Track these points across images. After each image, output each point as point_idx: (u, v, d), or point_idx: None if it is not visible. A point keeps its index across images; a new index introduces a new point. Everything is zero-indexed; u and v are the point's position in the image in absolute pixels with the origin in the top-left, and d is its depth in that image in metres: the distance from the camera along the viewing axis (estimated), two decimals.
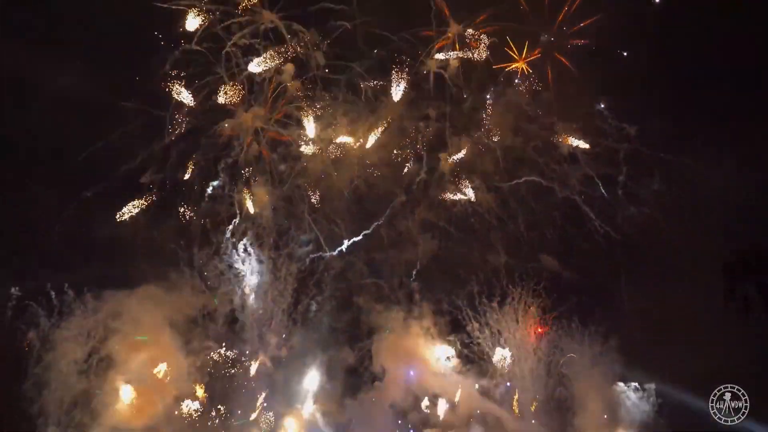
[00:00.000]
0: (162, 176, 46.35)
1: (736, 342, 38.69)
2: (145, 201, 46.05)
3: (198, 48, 45.32)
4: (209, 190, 47.45)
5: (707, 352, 40.55)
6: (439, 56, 46.48)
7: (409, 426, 46.99)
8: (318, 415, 46.68)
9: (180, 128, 46.30)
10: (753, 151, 41.84)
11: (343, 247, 47.94)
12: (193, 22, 44.63)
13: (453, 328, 48.80)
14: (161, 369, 42.86)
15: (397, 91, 46.68)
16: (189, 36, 44.84)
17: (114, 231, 45.19)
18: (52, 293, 42.55)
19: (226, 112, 46.58)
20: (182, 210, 46.90)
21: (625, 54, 44.91)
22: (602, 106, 46.24)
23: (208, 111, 46.33)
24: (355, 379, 47.76)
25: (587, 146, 46.41)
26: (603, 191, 46.59)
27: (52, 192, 44.48)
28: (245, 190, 47.32)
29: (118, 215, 45.58)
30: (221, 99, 46.19)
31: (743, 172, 42.09)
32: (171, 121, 46.14)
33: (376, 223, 47.88)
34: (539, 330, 47.84)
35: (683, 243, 43.13)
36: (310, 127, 47.18)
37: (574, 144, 46.53)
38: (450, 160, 47.74)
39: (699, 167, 43.43)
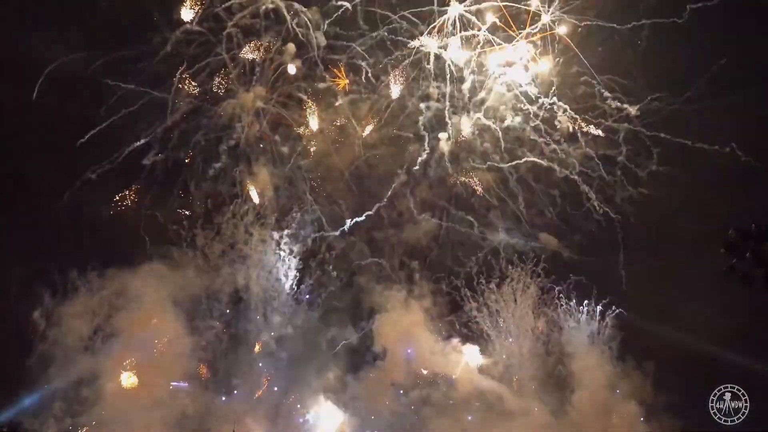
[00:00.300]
0: (164, 157, 45.95)
1: (735, 320, 38.56)
2: (148, 181, 45.71)
3: (199, 29, 44.70)
4: (211, 171, 46.98)
5: (706, 329, 40.55)
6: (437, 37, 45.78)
7: (411, 404, 46.81)
8: (321, 394, 46.55)
9: (182, 109, 45.83)
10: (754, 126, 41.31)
11: (346, 227, 47.54)
12: (188, 13, 44.03)
13: (452, 307, 48.59)
14: (165, 347, 42.60)
15: (397, 83, 46.22)
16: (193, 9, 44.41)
17: (117, 211, 45.12)
18: (56, 273, 42.28)
19: (227, 92, 46.03)
20: (181, 193, 46.60)
21: (639, 42, 43.83)
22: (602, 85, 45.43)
23: (210, 91, 45.79)
24: (357, 357, 47.61)
25: (599, 132, 45.68)
26: (602, 172, 46.07)
27: (54, 172, 44.18)
28: (247, 170, 46.92)
29: (118, 196, 45.23)
30: (222, 82, 45.84)
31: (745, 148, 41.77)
32: (173, 103, 45.68)
33: (378, 204, 47.42)
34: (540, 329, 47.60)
35: (682, 221, 42.94)
36: (313, 120, 46.79)
37: (582, 127, 45.93)
38: (450, 140, 47.11)
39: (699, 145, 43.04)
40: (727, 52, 42.74)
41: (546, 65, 45.49)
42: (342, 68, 46.44)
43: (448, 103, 46.77)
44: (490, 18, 44.75)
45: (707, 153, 43.19)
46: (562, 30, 44.49)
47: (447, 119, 47.29)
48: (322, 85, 47.04)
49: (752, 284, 30.94)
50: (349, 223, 47.49)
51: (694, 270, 41.17)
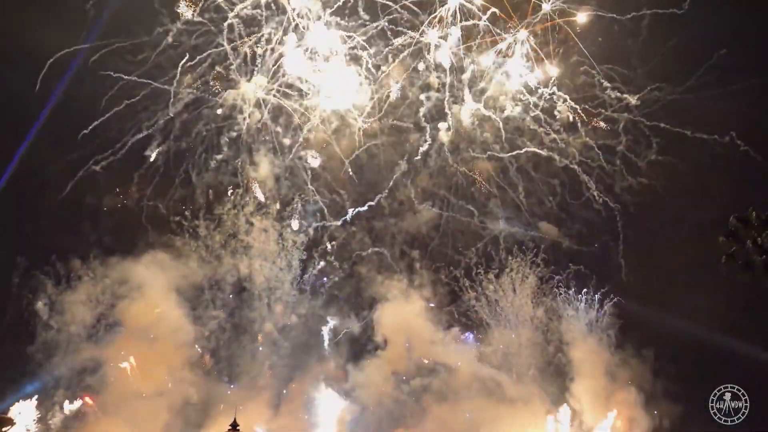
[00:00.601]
0: (166, 148, 45.54)
1: (735, 306, 38.30)
2: (150, 171, 45.37)
3: (200, 19, 44.19)
4: (212, 162, 46.57)
5: (704, 317, 40.30)
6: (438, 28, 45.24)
7: (411, 392, 46.52)
8: (322, 382, 46.29)
9: (183, 100, 45.36)
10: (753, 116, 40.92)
11: (348, 217, 47.13)
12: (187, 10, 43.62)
13: (452, 297, 48.23)
14: (169, 335, 42.20)
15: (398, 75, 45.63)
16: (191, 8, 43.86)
17: (119, 201, 44.81)
18: (58, 263, 41.97)
19: (228, 82, 45.58)
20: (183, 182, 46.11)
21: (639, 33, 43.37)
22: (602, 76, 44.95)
23: (211, 82, 45.28)
24: (358, 346, 47.40)
25: (602, 124, 45.20)
26: (602, 161, 45.68)
27: (58, 164, 43.80)
28: (248, 160, 46.55)
29: (120, 187, 44.91)
30: (223, 73, 45.27)
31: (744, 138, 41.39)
32: (175, 94, 45.22)
33: (379, 196, 47.01)
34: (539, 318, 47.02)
35: (681, 210, 42.65)
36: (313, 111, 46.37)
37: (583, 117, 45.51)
38: (450, 130, 46.63)
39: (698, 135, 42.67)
40: (726, 44, 42.45)
41: (547, 54, 45.01)
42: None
43: (447, 93, 46.43)
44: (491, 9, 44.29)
45: (706, 142, 42.93)
46: (562, 20, 44.07)
47: (447, 110, 46.91)
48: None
49: (752, 271, 30.57)
50: (351, 212, 47.14)
51: (693, 258, 40.98)
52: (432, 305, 47.86)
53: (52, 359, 40.18)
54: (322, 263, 47.52)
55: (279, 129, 47.08)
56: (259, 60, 45.43)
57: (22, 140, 42.96)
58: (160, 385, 41.11)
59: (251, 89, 45.57)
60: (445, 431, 43.74)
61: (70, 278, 41.82)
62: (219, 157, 46.61)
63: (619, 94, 44.88)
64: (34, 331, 40.44)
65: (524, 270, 47.50)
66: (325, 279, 47.44)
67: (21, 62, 42.99)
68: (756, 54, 42.62)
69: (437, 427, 43.96)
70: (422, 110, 46.87)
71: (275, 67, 45.67)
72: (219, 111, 45.87)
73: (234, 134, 46.59)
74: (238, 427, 33.43)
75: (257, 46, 45.13)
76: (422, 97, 46.69)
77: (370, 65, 45.87)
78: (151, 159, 45.43)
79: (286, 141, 46.85)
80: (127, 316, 41.64)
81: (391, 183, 46.95)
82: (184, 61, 44.60)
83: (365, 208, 47.04)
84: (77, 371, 40.56)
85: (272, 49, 45.17)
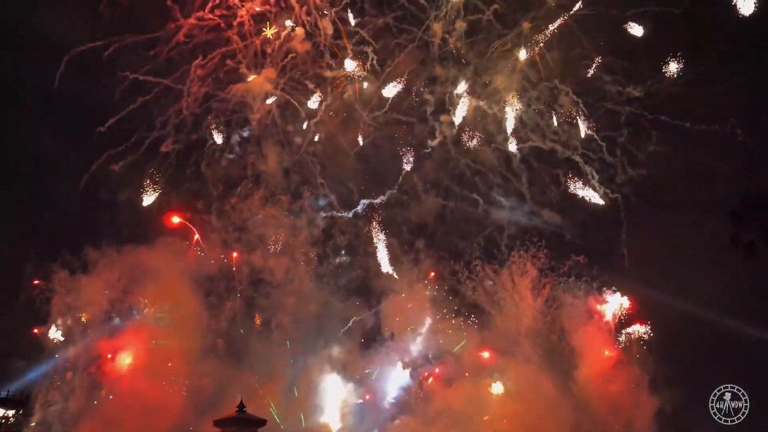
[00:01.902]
0: (178, 143, 45.11)
1: (737, 295, 37.56)
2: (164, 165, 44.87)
3: (211, 16, 43.82)
4: (223, 156, 46.03)
5: (708, 300, 39.54)
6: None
7: (419, 378, 45.73)
8: (332, 369, 45.59)
9: (195, 95, 44.93)
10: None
11: (359, 209, 46.44)
12: None
13: (457, 286, 47.34)
14: (183, 320, 41.44)
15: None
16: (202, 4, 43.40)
17: (133, 194, 44.32)
18: (69, 256, 41.24)
19: (238, 76, 45.06)
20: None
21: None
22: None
23: (222, 76, 44.88)
24: (367, 335, 46.67)
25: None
26: (605, 153, 45.08)
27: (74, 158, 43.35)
28: (258, 152, 46.02)
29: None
30: (234, 66, 44.80)
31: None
32: (188, 91, 44.76)
33: (389, 191, 46.41)
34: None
35: (684, 197, 42.04)
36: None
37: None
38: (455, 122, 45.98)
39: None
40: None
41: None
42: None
43: (451, 86, 45.74)
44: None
45: (706, 132, 42.24)
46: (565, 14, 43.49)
47: (449, 105, 46.22)
48: (329, 73, 46.02)
49: (756, 253, 29.82)
50: (362, 204, 46.48)
51: (695, 247, 40.37)
52: (437, 295, 47.14)
53: (67, 344, 39.59)
54: (332, 254, 46.93)
55: (290, 128, 46.59)
56: (268, 55, 45.13)
57: (38, 135, 42.80)
58: (174, 371, 40.34)
59: (260, 83, 45.12)
60: (450, 416, 42.94)
61: (87, 264, 41.05)
62: (230, 149, 46.17)
63: (620, 87, 44.40)
64: (47, 316, 39.89)
65: (526, 262, 46.64)
66: (321, 274, 46.66)
67: (37, 58, 42.92)
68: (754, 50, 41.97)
69: (443, 413, 43.15)
70: (428, 105, 46.47)
71: (284, 62, 45.37)
72: (229, 105, 45.36)
73: (246, 132, 46.30)
74: (245, 409, 32.61)
75: (267, 44, 44.87)
76: (427, 89, 46.28)
77: (375, 62, 45.57)
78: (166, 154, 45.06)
79: (295, 133, 46.36)
80: (141, 301, 40.97)
81: (400, 179, 46.40)
82: (197, 61, 44.25)
83: (378, 201, 46.48)
84: (92, 357, 39.84)
85: (281, 45, 44.86)
